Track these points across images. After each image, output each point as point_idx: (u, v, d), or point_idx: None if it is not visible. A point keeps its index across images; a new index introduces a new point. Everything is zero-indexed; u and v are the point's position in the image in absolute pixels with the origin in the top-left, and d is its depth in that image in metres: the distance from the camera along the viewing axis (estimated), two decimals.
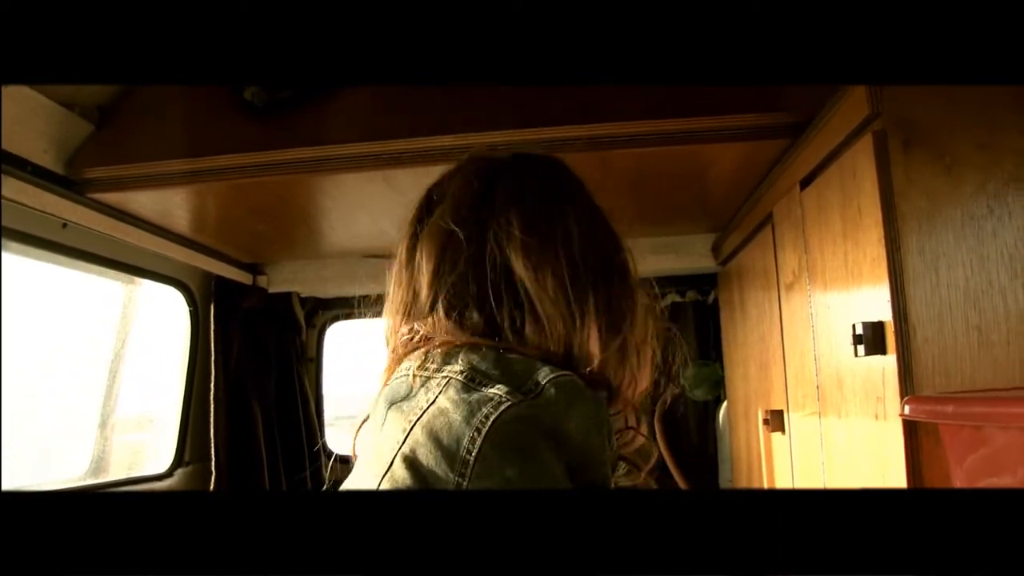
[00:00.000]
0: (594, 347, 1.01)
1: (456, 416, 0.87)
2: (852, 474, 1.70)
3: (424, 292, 1.03)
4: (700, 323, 3.46)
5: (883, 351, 1.49)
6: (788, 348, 2.16)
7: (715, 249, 3.07)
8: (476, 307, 1.00)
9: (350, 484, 0.96)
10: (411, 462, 0.87)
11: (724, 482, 3.31)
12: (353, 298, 3.59)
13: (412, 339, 1.02)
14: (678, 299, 3.48)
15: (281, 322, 3.34)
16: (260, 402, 3.14)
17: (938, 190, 1.45)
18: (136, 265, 2.65)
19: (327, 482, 3.44)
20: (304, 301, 3.50)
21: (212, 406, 2.94)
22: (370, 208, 2.39)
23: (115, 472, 2.81)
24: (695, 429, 3.46)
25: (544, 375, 0.90)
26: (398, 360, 1.02)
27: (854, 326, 1.54)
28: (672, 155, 1.98)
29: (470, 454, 0.84)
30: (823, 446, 1.87)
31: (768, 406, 2.35)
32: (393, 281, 1.11)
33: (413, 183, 2.10)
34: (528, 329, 0.98)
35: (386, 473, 0.88)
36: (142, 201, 2.21)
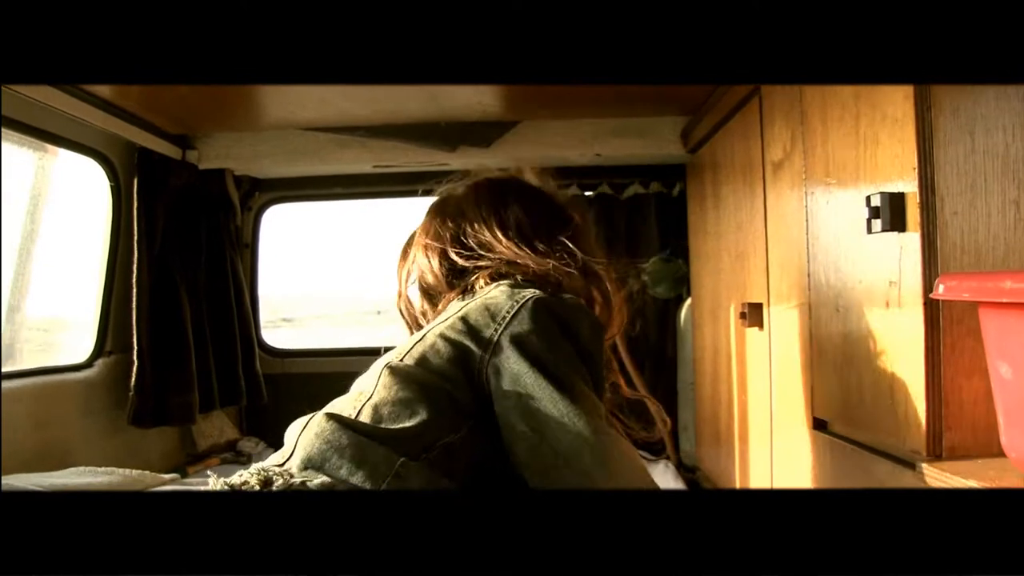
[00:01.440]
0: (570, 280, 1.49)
1: (502, 297, 1.36)
2: (848, 371, 1.52)
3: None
4: (663, 216, 3.26)
5: (902, 227, 1.29)
6: (772, 234, 1.96)
7: (684, 135, 2.86)
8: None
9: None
10: (463, 319, 1.34)
11: (684, 385, 3.15)
12: (293, 179, 3.34)
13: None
14: (641, 190, 3.27)
15: (213, 203, 3.07)
16: (188, 289, 2.89)
17: None
18: (49, 131, 2.37)
19: (261, 377, 3.25)
20: (239, 181, 3.24)
21: (134, 291, 2.68)
22: None
23: (27, 362, 2.58)
24: (654, 329, 3.29)
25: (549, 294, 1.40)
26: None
27: (868, 198, 1.33)
28: None
29: (508, 313, 1.33)
30: (813, 341, 1.69)
31: (744, 299, 2.16)
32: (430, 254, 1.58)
33: None
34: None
35: (439, 323, 1.37)
36: None
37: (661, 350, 3.28)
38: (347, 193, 3.43)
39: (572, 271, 1.48)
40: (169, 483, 2.42)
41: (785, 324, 1.88)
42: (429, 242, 1.57)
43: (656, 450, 3.09)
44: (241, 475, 1.18)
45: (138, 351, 2.68)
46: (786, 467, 1.88)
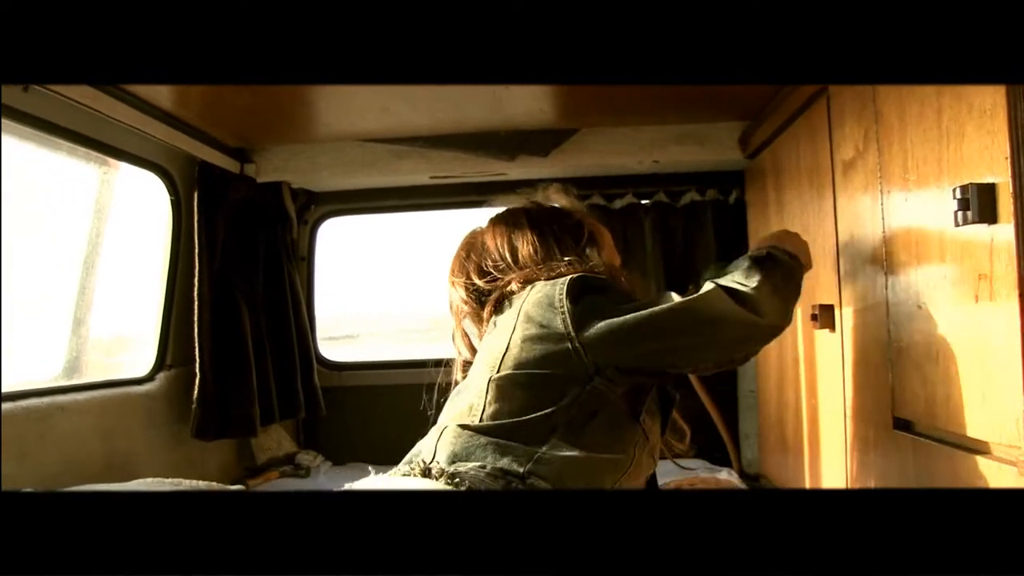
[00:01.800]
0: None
1: (547, 287, 1.56)
2: (933, 368, 1.49)
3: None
4: (720, 224, 3.23)
5: (994, 219, 1.26)
6: (843, 235, 1.93)
7: (743, 141, 2.83)
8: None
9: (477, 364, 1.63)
10: (529, 321, 1.54)
11: (744, 392, 3.12)
12: (348, 192, 3.35)
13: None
14: (697, 198, 3.25)
15: (270, 216, 3.09)
16: (248, 302, 2.91)
17: None
18: (111, 144, 2.39)
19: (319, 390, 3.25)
20: (295, 194, 3.27)
21: (196, 304, 2.70)
22: None
23: (91, 374, 2.59)
24: None
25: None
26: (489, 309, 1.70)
27: (955, 191, 1.31)
28: None
29: (561, 295, 1.53)
30: (892, 340, 1.66)
31: (812, 302, 2.14)
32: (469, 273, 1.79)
33: None
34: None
35: (513, 332, 1.55)
36: None
37: None
38: (402, 205, 3.44)
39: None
40: None
41: (859, 324, 1.86)
42: (455, 278, 1.82)
43: (718, 459, 3.07)
44: (399, 469, 1.43)
45: (201, 364, 2.70)
46: (864, 469, 1.85)
